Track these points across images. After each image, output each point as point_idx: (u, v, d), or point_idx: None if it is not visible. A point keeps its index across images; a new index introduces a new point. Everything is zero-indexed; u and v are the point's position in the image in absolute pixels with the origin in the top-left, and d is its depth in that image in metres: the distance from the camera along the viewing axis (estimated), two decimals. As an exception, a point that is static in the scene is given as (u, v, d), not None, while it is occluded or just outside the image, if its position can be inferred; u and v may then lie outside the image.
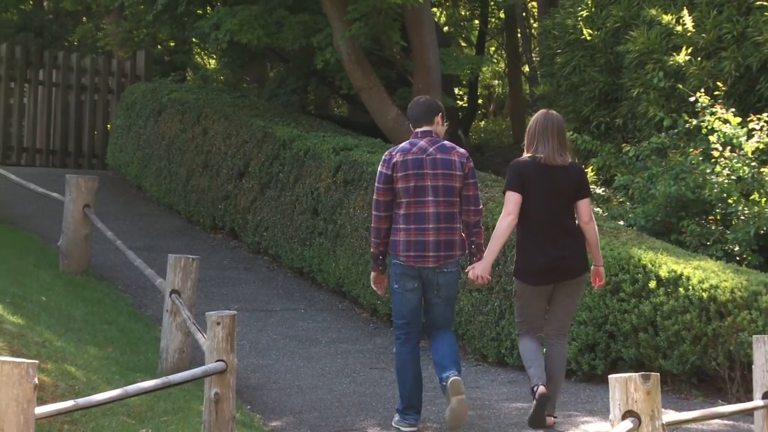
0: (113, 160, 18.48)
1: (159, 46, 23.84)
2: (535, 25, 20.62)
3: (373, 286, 8.33)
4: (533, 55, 18.37)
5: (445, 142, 8.23)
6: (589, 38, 13.75)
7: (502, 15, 23.18)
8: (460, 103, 22.89)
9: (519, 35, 19.89)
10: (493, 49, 27.51)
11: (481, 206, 8.23)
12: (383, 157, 8.21)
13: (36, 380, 4.58)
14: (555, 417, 8.14)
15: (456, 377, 7.83)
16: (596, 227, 8.23)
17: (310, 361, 9.99)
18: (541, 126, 8.20)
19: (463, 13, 24.95)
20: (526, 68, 20.89)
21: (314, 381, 9.35)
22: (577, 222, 8.14)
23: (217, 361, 6.58)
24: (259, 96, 18.93)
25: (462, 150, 8.24)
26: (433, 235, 8.07)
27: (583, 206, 8.14)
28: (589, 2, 13.93)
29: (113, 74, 21.13)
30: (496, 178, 11.57)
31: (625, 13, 13.41)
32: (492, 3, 22.57)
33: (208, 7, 17.99)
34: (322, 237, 12.34)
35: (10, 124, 20.68)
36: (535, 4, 19.55)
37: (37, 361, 4.61)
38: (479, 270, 8.07)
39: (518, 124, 22.52)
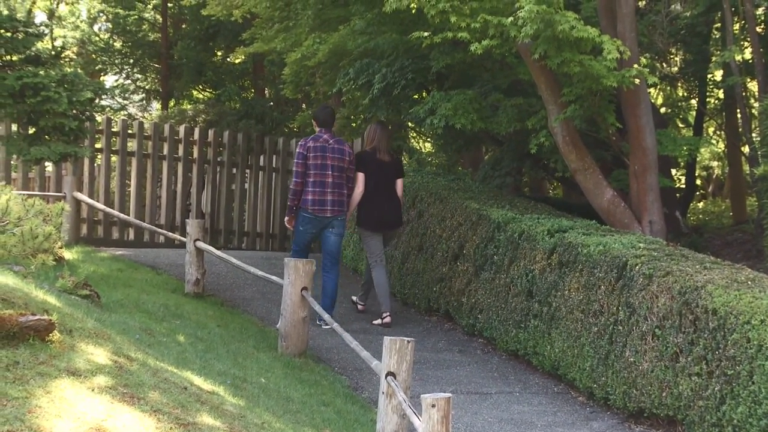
0: (330, 244, 18.74)
1: (376, 131, 24.17)
2: (755, 104, 20.19)
3: (287, 224, 13.55)
4: (753, 134, 17.95)
5: (339, 138, 13.59)
6: (811, 117, 13.42)
7: (720, 95, 22.80)
8: (678, 184, 22.54)
9: (739, 115, 19.48)
10: (711, 129, 27.05)
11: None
12: (300, 143, 13.42)
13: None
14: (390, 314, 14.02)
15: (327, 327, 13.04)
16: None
17: (525, 445, 9.90)
18: (380, 133, 13.98)
19: (680, 93, 24.64)
20: (746, 148, 20.44)
21: (530, 466, 9.26)
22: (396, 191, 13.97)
23: (431, 443, 6.57)
24: (473, 178, 19.01)
25: (348, 143, 13.98)
26: (330, 196, 13.29)
27: (399, 183, 14.04)
28: (811, 80, 13.61)
29: (330, 159, 21.50)
30: (715, 260, 11.28)
31: None
32: (710, 83, 22.22)
33: (424, 91, 18.20)
34: (537, 319, 12.26)
35: (231, 209, 21.26)
36: (755, 83, 19.18)
37: (255, 442, 4.69)
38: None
39: (738, 205, 21.98)
